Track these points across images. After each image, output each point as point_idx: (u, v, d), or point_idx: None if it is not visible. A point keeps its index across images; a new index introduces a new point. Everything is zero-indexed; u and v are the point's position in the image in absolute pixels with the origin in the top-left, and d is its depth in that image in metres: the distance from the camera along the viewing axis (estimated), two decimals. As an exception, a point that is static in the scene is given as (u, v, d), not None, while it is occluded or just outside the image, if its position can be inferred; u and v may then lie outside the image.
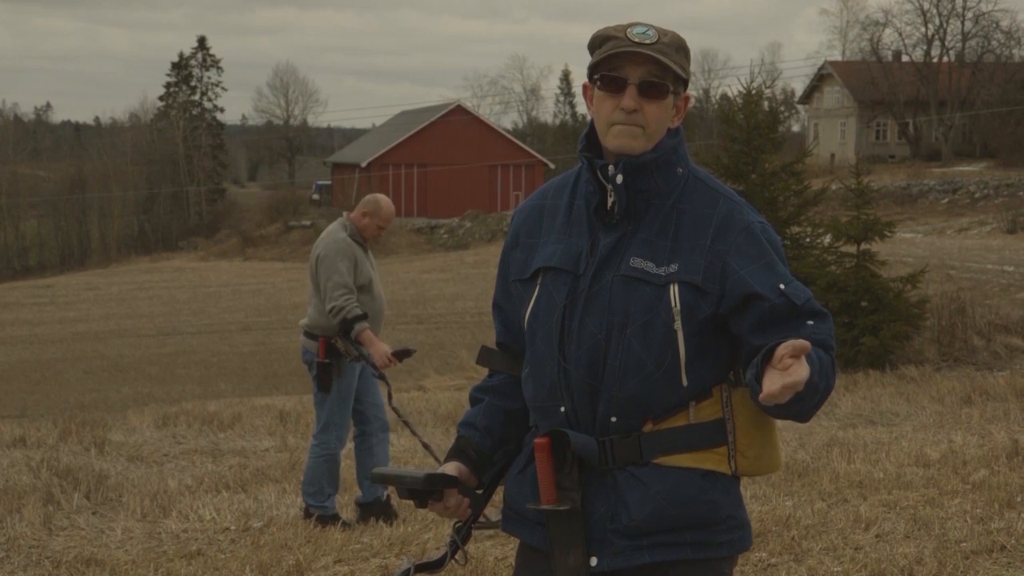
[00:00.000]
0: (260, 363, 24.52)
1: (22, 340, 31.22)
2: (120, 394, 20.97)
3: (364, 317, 7.18)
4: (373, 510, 7.42)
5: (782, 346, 2.51)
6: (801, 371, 2.47)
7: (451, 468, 2.84)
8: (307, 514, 7.35)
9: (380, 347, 7.21)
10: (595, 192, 2.77)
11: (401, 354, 7.34)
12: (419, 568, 2.87)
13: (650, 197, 2.76)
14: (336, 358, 7.27)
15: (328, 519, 7.28)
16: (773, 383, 2.48)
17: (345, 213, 7.60)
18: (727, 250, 2.71)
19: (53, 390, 22.26)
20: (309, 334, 7.37)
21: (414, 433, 7.45)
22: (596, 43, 2.75)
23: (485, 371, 3.05)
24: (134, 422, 12.11)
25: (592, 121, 2.82)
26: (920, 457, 8.33)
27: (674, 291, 2.69)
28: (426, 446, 7.46)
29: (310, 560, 6.26)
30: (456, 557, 2.89)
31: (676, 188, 2.78)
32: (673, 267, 2.70)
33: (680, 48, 2.75)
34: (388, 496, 7.49)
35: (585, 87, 2.83)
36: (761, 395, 2.51)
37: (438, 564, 2.87)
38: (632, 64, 2.71)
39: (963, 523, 6.37)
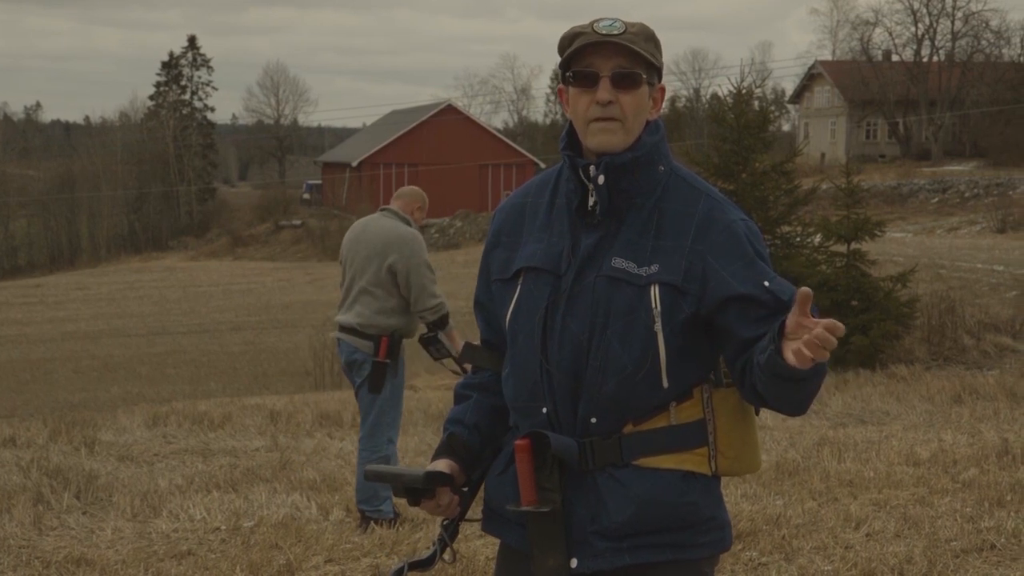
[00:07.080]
0: (250, 363, 24.48)
1: (11, 340, 31.13)
2: (110, 394, 20.90)
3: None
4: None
5: (799, 320, 2.42)
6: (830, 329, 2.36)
7: (444, 465, 2.82)
8: (363, 520, 7.08)
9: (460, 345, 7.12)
10: (576, 191, 2.74)
11: None
12: (412, 566, 2.85)
13: (632, 196, 2.73)
14: (394, 358, 7.09)
15: (389, 524, 7.02)
16: (800, 348, 2.39)
17: (383, 208, 7.29)
18: (708, 250, 2.68)
19: (43, 390, 22.19)
20: (361, 333, 7.06)
21: None
22: (565, 42, 2.73)
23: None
24: (124, 422, 12.08)
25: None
26: (910, 456, 8.35)
27: (655, 292, 2.67)
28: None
29: (300, 560, 6.24)
30: (444, 555, 2.87)
31: (658, 187, 2.75)
32: (654, 267, 2.68)
33: (649, 38, 2.73)
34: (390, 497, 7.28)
35: (560, 91, 2.80)
36: (792, 360, 2.41)
37: (428, 562, 2.85)
38: (602, 57, 2.69)
39: (953, 522, 6.37)
